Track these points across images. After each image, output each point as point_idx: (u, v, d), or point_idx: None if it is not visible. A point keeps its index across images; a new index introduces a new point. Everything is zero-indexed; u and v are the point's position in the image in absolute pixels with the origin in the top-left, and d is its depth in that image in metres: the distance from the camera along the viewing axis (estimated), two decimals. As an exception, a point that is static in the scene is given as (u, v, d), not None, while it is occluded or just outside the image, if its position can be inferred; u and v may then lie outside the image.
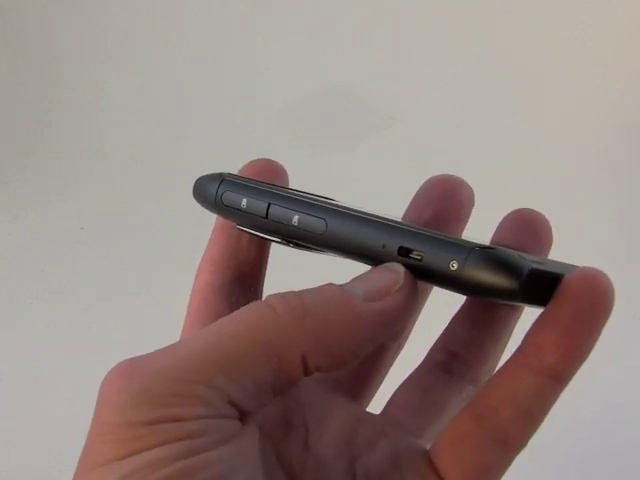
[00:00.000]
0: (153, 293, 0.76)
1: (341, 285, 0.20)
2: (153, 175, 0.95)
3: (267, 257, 0.26)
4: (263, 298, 0.20)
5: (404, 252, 0.19)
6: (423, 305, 0.26)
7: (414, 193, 0.25)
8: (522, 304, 0.20)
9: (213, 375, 0.18)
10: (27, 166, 0.99)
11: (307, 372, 0.19)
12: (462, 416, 0.20)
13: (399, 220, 0.21)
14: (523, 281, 0.18)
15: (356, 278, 0.20)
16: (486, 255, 0.18)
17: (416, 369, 0.25)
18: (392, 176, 0.85)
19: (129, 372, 0.19)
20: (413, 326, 0.26)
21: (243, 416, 0.19)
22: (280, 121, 0.96)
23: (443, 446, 0.20)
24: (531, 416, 0.19)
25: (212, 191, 0.24)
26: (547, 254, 0.23)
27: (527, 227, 0.22)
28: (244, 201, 0.23)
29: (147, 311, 0.73)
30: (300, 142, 0.93)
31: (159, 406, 0.18)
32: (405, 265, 0.20)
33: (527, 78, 0.92)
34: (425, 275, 0.19)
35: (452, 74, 0.94)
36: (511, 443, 0.19)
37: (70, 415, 0.63)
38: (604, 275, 0.19)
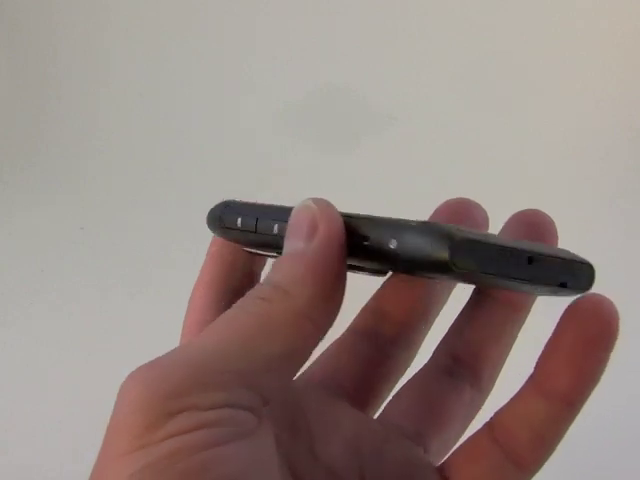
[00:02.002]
0: (153, 293, 0.76)
1: (281, 253, 0.20)
2: (153, 175, 0.95)
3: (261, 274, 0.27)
4: None
5: (359, 239, 0.20)
6: (438, 311, 0.26)
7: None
8: (461, 280, 0.20)
9: (230, 360, 0.18)
10: (27, 166, 0.99)
11: (317, 331, 0.19)
12: (479, 436, 0.21)
13: (369, 215, 0.21)
14: (454, 250, 0.17)
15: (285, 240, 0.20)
16: (419, 229, 0.18)
17: (417, 372, 0.25)
18: (392, 176, 0.85)
19: (147, 367, 0.18)
20: (424, 338, 0.26)
21: (264, 403, 0.19)
22: (280, 121, 0.96)
23: (459, 464, 0.21)
24: (545, 441, 0.20)
25: (216, 215, 0.25)
26: None
27: (533, 228, 0.22)
28: (239, 220, 0.23)
29: (147, 311, 0.73)
30: (300, 142, 0.93)
31: (175, 396, 0.17)
32: (361, 253, 0.20)
33: (527, 78, 0.92)
34: (376, 259, 0.19)
35: (452, 74, 0.94)
36: (526, 466, 0.20)
37: (70, 415, 0.63)
38: (609, 302, 0.19)
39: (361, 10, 0.99)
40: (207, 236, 0.27)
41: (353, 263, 0.21)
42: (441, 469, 0.21)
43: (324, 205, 0.20)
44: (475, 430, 0.21)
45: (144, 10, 1.03)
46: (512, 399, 0.20)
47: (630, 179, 0.84)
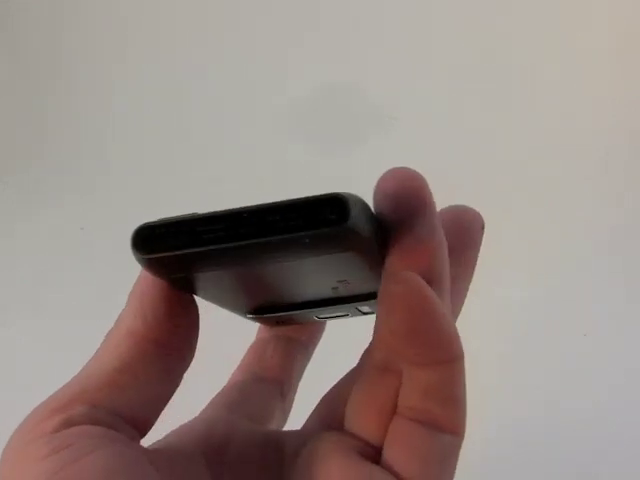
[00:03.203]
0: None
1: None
2: (154, 176, 0.95)
3: (294, 363, 0.30)
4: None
5: None
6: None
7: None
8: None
9: (72, 383, 0.21)
10: (27, 166, 0.99)
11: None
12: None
13: None
14: (136, 241, 0.19)
15: None
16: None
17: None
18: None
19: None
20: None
21: (121, 414, 0.20)
22: (280, 121, 0.96)
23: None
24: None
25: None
26: (473, 251, 0.23)
27: (455, 224, 0.22)
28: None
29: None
30: (300, 142, 0.93)
31: (32, 426, 0.20)
32: None
33: (527, 78, 0.92)
34: None
35: (452, 74, 0.94)
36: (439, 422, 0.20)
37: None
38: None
39: (362, 10, 0.99)
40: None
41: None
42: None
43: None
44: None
45: (146, 13, 1.03)
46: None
47: (630, 179, 0.84)
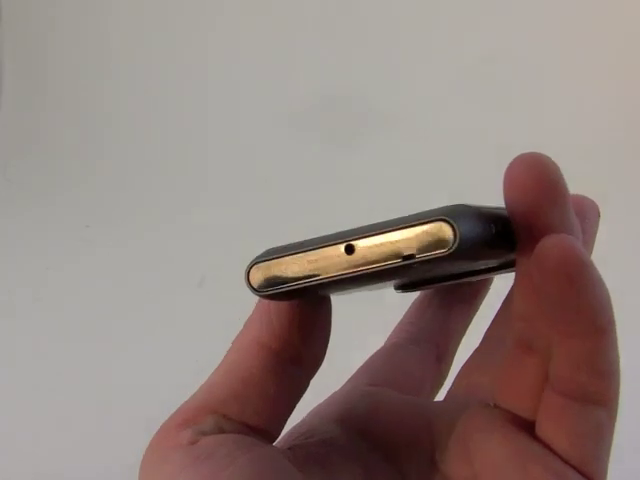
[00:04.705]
0: (157, 291, 0.76)
1: None
2: (159, 173, 0.95)
3: (455, 324, 0.27)
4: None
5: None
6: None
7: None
8: None
9: (196, 395, 0.21)
10: (32, 164, 1.00)
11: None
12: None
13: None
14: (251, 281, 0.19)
15: None
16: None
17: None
18: (392, 176, 0.85)
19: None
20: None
21: (247, 424, 0.20)
22: (281, 121, 0.96)
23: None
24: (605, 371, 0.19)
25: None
26: None
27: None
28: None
29: (150, 309, 0.73)
30: (301, 142, 0.93)
31: (165, 441, 0.20)
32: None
33: (528, 78, 0.92)
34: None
35: (452, 74, 0.94)
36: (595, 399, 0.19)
37: (72, 414, 0.63)
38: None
39: (362, 10, 0.99)
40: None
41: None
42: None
43: None
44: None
45: (151, 11, 1.04)
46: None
47: (630, 179, 0.84)
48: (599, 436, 0.20)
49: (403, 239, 0.17)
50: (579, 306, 0.17)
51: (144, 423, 0.24)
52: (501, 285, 0.25)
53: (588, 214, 0.23)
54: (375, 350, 0.27)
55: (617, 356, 0.19)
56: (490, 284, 0.28)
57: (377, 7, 0.98)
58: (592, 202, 0.23)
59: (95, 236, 0.86)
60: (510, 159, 0.19)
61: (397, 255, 0.17)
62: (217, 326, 0.41)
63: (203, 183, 0.91)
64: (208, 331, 0.59)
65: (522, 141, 0.87)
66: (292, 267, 0.19)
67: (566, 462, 0.19)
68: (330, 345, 0.21)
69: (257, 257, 0.19)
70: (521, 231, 0.19)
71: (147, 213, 0.89)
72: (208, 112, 0.99)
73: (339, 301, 0.22)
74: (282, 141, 0.94)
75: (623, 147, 0.86)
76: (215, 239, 0.77)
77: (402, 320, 0.28)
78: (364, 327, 0.53)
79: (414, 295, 0.28)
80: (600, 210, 0.23)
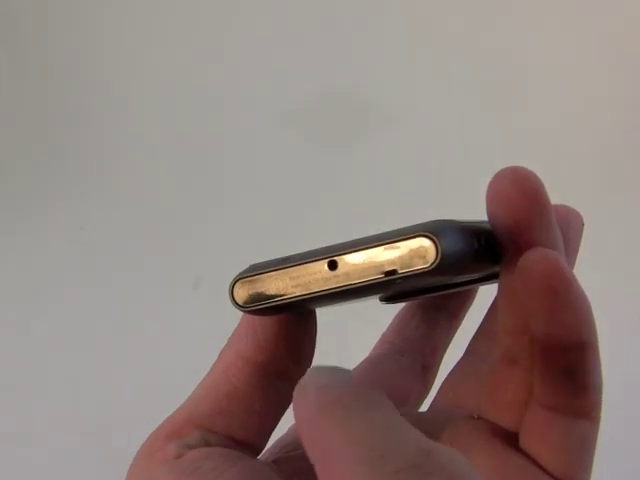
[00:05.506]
0: (154, 293, 0.76)
1: None
2: (154, 175, 0.95)
3: (440, 334, 0.27)
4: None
5: None
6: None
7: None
8: None
9: (182, 409, 0.21)
10: (27, 165, 0.99)
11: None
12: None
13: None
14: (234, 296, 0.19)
15: None
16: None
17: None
18: (392, 176, 0.85)
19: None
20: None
21: (233, 438, 0.20)
22: (280, 121, 0.96)
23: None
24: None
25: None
26: None
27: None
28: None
29: (148, 311, 0.73)
30: (300, 142, 0.93)
31: (151, 456, 0.20)
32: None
33: (527, 78, 0.92)
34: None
35: (452, 74, 0.94)
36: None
37: (71, 415, 0.63)
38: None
39: (362, 10, 0.99)
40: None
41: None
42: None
43: None
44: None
45: (149, 12, 1.04)
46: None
47: (630, 179, 0.84)
48: (583, 448, 0.20)
49: (385, 255, 0.18)
50: (563, 320, 0.18)
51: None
52: (485, 296, 0.25)
53: (572, 223, 0.23)
54: (360, 361, 0.27)
55: (600, 369, 0.19)
56: (475, 294, 0.28)
57: (377, 7, 0.98)
58: (576, 212, 0.23)
59: (90, 238, 0.86)
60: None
61: (379, 271, 0.18)
62: (213, 328, 0.41)
63: (202, 183, 0.91)
64: (204, 333, 0.59)
65: (522, 141, 0.87)
66: (276, 283, 0.19)
67: (550, 475, 0.19)
68: (315, 357, 0.21)
69: (241, 273, 0.20)
70: (504, 245, 0.19)
71: (142, 214, 0.88)
72: (207, 112, 0.99)
73: (323, 313, 0.22)
74: (281, 140, 0.93)
75: (623, 147, 0.87)
76: (215, 239, 0.77)
77: (386, 331, 0.28)
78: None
79: (399, 306, 0.28)
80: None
